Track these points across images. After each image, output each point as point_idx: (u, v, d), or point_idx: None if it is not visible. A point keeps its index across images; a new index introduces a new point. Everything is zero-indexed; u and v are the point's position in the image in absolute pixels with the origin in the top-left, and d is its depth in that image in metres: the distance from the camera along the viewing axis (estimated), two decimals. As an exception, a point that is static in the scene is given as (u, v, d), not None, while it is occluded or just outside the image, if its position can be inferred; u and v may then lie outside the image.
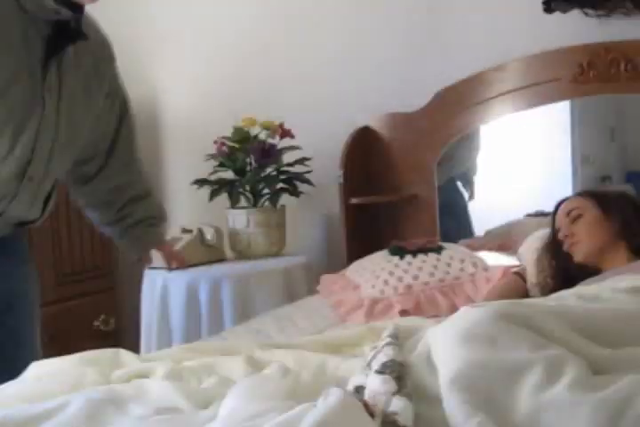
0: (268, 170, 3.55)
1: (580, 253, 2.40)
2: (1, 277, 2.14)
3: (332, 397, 1.27)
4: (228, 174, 3.58)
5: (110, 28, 2.31)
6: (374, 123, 3.52)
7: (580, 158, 3.39)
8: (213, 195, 3.53)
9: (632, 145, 3.35)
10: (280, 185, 3.56)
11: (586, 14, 3.12)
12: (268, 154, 3.48)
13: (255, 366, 1.76)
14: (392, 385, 1.31)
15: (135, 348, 3.30)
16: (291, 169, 3.56)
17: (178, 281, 3.27)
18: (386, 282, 2.78)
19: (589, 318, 1.56)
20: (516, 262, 2.85)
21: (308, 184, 3.55)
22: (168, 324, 3.31)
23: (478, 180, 3.58)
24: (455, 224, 3.55)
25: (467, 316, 1.49)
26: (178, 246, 3.27)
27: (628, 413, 1.21)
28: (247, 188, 3.56)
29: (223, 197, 3.55)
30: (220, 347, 2.06)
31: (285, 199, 3.58)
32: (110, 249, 4.04)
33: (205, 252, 3.50)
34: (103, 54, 2.23)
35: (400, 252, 2.91)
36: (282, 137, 3.53)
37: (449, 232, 3.44)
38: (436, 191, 3.46)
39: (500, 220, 3.49)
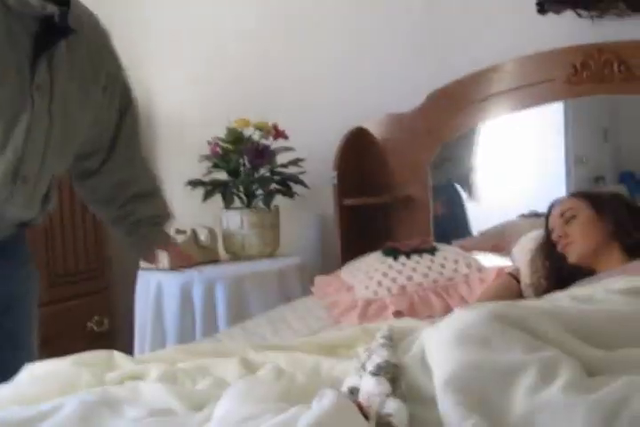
0: (262, 171, 3.55)
1: (573, 254, 2.41)
2: (0, 280, 2.10)
3: (326, 398, 1.27)
4: (222, 175, 3.58)
5: (104, 28, 2.30)
6: (368, 124, 3.52)
7: (574, 159, 3.39)
8: (207, 196, 3.53)
9: (625, 146, 3.35)
10: (274, 186, 3.56)
11: (579, 15, 3.13)
12: (262, 155, 3.48)
13: (249, 367, 1.76)
14: (386, 387, 1.31)
15: (129, 349, 3.29)
16: (284, 170, 3.56)
17: (172, 282, 3.27)
18: (379, 283, 2.78)
19: (583, 320, 1.56)
20: (510, 263, 2.85)
21: (302, 185, 3.55)
22: (162, 325, 3.31)
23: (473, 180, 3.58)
24: (452, 225, 3.55)
25: (461, 317, 1.49)
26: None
27: (622, 414, 1.21)
28: (241, 189, 3.56)
29: (217, 198, 3.55)
30: (215, 348, 2.06)
31: (279, 200, 3.58)
32: (103, 250, 4.04)
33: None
34: (97, 44, 2.15)
35: (394, 253, 2.91)
36: (275, 138, 3.53)
37: (446, 233, 3.44)
38: (431, 192, 3.46)
39: (493, 220, 3.49)
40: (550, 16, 3.16)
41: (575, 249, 2.41)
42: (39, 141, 2.01)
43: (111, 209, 2.42)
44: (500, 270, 2.75)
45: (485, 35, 3.37)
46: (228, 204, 3.56)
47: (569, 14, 3.14)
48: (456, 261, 2.86)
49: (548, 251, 2.50)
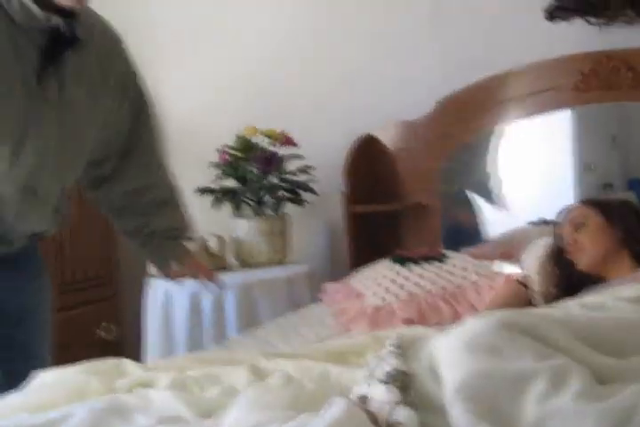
0: (272, 178, 3.55)
1: (583, 262, 2.40)
2: (13, 292, 2.09)
3: (336, 406, 1.27)
4: (231, 183, 3.59)
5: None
6: (377, 131, 3.52)
7: (582, 166, 3.39)
8: (216, 203, 3.54)
9: (634, 153, 3.35)
10: (283, 193, 3.57)
11: (588, 22, 3.13)
12: (271, 162, 3.48)
13: (258, 375, 1.76)
14: (396, 395, 1.31)
15: (137, 356, 3.29)
16: (294, 177, 3.56)
17: (181, 289, 3.27)
18: (388, 290, 2.78)
19: (593, 327, 1.56)
20: (519, 271, 2.84)
21: (311, 193, 3.55)
22: (171, 332, 3.31)
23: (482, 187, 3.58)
24: (461, 233, 3.54)
25: (471, 325, 1.49)
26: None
27: (633, 422, 1.21)
28: (250, 196, 3.57)
29: (226, 206, 3.56)
30: (224, 356, 2.06)
31: (288, 208, 3.59)
32: (112, 257, 4.04)
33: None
34: (106, 48, 2.10)
35: (402, 260, 2.91)
36: (285, 145, 3.54)
37: (454, 240, 3.43)
38: (440, 200, 3.46)
39: (502, 228, 3.49)
40: (559, 23, 3.16)
41: (584, 256, 2.40)
42: (49, 156, 1.98)
43: (125, 219, 2.37)
44: (510, 278, 2.74)
45: (494, 42, 3.37)
46: (237, 211, 3.56)
47: (577, 21, 3.14)
48: (465, 269, 2.86)
49: (558, 258, 2.49)
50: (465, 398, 1.29)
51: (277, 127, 3.54)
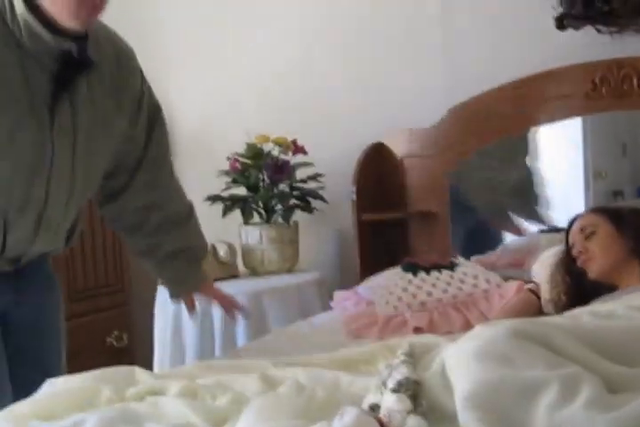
0: (281, 186, 3.56)
1: (594, 270, 2.40)
2: (21, 305, 2.07)
3: (347, 415, 1.27)
4: (241, 191, 3.59)
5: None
6: (387, 139, 3.52)
7: (593, 174, 3.38)
8: (226, 211, 3.54)
9: (644, 160, 3.35)
10: (293, 201, 3.57)
11: (598, 31, 3.12)
12: (281, 170, 3.49)
13: (269, 383, 1.76)
14: (407, 404, 1.31)
15: (148, 364, 3.30)
16: (304, 185, 3.57)
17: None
18: (399, 299, 2.78)
19: (604, 336, 1.55)
20: (530, 279, 2.84)
21: (321, 200, 3.56)
22: (181, 340, 3.31)
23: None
24: (471, 240, 3.54)
25: (482, 334, 1.49)
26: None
27: (644, 431, 1.21)
28: (260, 204, 3.57)
29: (236, 214, 3.56)
30: (235, 364, 2.06)
31: (298, 215, 3.59)
32: (123, 265, 4.05)
33: (218, 268, 3.50)
34: (119, 67, 2.04)
35: (413, 268, 2.91)
36: (295, 153, 3.54)
37: (465, 248, 3.43)
38: (449, 207, 3.45)
39: (513, 236, 3.49)
40: (569, 32, 3.15)
41: (595, 265, 2.40)
42: (62, 188, 1.96)
43: (137, 238, 2.31)
44: (520, 286, 2.74)
45: (504, 50, 3.37)
46: (247, 219, 3.57)
47: (588, 30, 3.13)
48: (475, 277, 2.85)
49: (568, 266, 2.49)
50: (475, 407, 1.29)
51: (288, 135, 3.55)
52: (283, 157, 3.53)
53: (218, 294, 2.50)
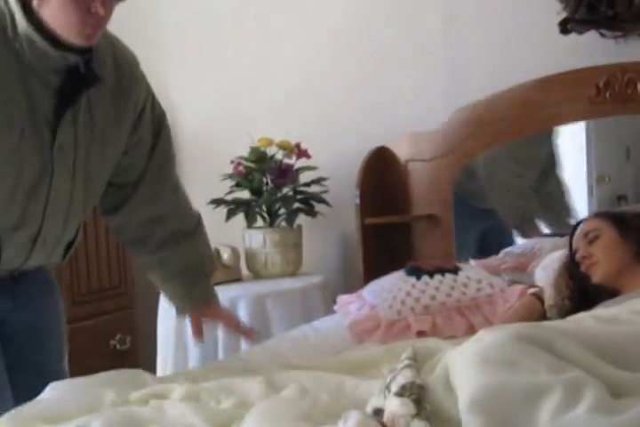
0: (285, 190, 3.56)
1: (597, 275, 2.39)
2: (19, 311, 2.06)
3: (351, 419, 1.27)
4: (245, 194, 3.60)
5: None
6: (391, 143, 3.53)
7: (596, 178, 3.39)
8: (230, 215, 3.55)
9: (648, 165, 3.35)
10: (296, 205, 3.57)
11: (602, 35, 3.12)
12: (285, 174, 3.49)
13: (273, 387, 1.76)
14: (411, 408, 1.31)
15: (151, 367, 3.30)
16: (307, 189, 3.57)
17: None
18: (403, 302, 2.78)
19: (608, 341, 1.55)
20: (533, 283, 2.84)
21: (325, 204, 3.56)
22: (184, 344, 3.30)
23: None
24: (474, 244, 3.54)
25: (485, 338, 1.49)
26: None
27: (648, 436, 1.21)
28: (264, 208, 3.57)
29: (239, 218, 3.56)
30: (238, 368, 2.06)
31: (302, 219, 3.59)
32: (126, 268, 4.05)
33: (222, 272, 3.50)
34: (120, 76, 1.99)
35: (417, 272, 2.91)
36: (298, 157, 3.55)
37: (468, 252, 3.43)
38: (453, 211, 3.45)
39: (516, 240, 3.50)
40: (573, 36, 3.15)
41: (599, 270, 2.39)
42: (61, 206, 1.93)
43: (142, 253, 2.24)
44: (524, 291, 2.74)
45: (507, 54, 3.37)
46: (250, 223, 3.57)
47: (592, 34, 3.13)
48: (479, 281, 2.85)
49: (572, 271, 2.48)
50: (478, 411, 1.29)
51: (291, 139, 3.55)
52: (286, 160, 3.54)
53: (225, 316, 2.40)
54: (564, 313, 2.37)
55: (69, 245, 2.13)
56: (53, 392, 1.81)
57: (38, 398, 1.80)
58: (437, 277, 2.87)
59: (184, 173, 4.04)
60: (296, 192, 3.57)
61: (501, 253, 3.42)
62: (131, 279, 4.09)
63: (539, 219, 3.54)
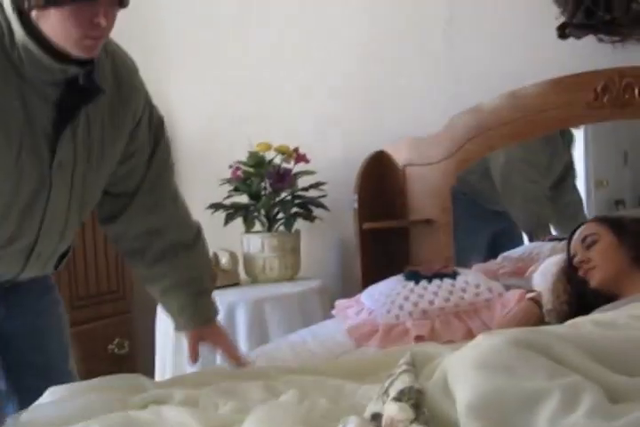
0: (283, 194, 3.56)
1: (595, 279, 2.39)
2: (18, 314, 2.04)
3: (350, 425, 1.27)
4: (243, 199, 3.60)
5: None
6: (389, 147, 3.53)
7: (594, 182, 3.39)
8: (228, 219, 3.55)
9: (646, 169, 3.36)
10: (295, 210, 3.57)
11: (600, 40, 3.13)
12: (283, 179, 3.49)
13: (272, 391, 1.77)
14: (409, 413, 1.32)
15: (149, 372, 3.30)
16: (305, 194, 3.57)
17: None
18: (401, 307, 2.78)
19: (606, 346, 1.56)
20: (532, 288, 2.84)
21: (323, 209, 3.56)
22: (183, 348, 3.29)
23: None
24: (473, 249, 3.55)
25: (483, 343, 1.49)
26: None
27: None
28: (262, 212, 3.57)
29: (238, 222, 3.56)
30: (237, 372, 2.06)
31: (300, 224, 3.59)
32: (125, 272, 4.05)
33: (220, 276, 3.50)
34: (119, 85, 1.91)
35: (415, 277, 2.91)
36: (297, 162, 3.55)
37: (467, 257, 3.44)
38: (452, 216, 3.45)
39: (515, 244, 3.50)
40: (571, 41, 3.15)
41: (597, 274, 2.39)
42: (57, 220, 1.90)
43: (140, 265, 2.16)
44: (522, 295, 2.74)
45: (506, 59, 3.37)
46: (248, 227, 3.57)
47: (590, 39, 3.14)
48: (477, 286, 2.85)
49: (570, 276, 2.49)
50: (476, 416, 1.30)
51: (290, 143, 3.55)
52: (285, 165, 3.54)
53: (224, 343, 2.25)
54: (562, 318, 2.37)
55: (63, 256, 2.10)
56: (52, 397, 1.81)
57: (37, 403, 1.79)
58: (435, 281, 2.87)
59: (182, 178, 4.04)
60: (294, 197, 3.57)
61: (499, 258, 3.43)
62: (129, 284, 4.09)
63: (553, 225, 3.53)
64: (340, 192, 3.55)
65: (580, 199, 3.42)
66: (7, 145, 1.72)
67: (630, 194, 3.37)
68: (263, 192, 3.54)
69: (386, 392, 1.42)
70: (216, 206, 3.58)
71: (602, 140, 3.40)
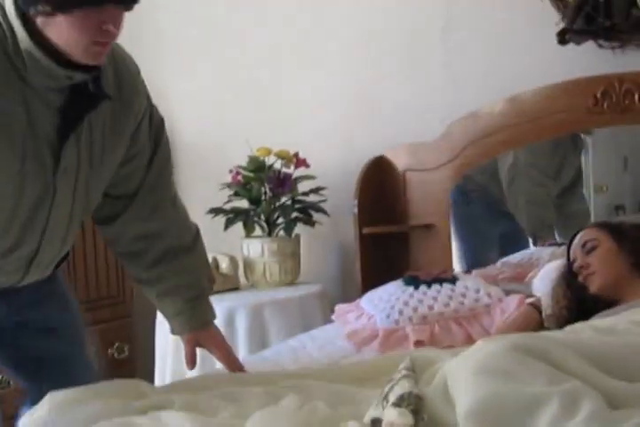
0: (283, 199, 3.57)
1: (595, 285, 2.39)
2: (29, 307, 2.04)
3: (349, 430, 1.27)
4: (243, 203, 3.60)
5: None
6: (389, 152, 3.53)
7: (594, 187, 3.39)
8: (228, 224, 3.55)
9: (646, 174, 3.36)
10: (295, 214, 3.57)
11: (600, 46, 3.13)
12: (283, 183, 3.49)
13: (271, 396, 1.76)
14: (409, 418, 1.32)
15: (149, 376, 3.30)
16: (305, 198, 3.58)
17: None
18: (401, 312, 2.78)
19: (605, 351, 1.56)
20: (531, 293, 2.84)
21: (323, 214, 3.56)
22: (182, 352, 3.30)
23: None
24: (473, 254, 3.55)
25: (483, 349, 1.49)
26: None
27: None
28: (262, 217, 3.58)
29: (238, 227, 3.56)
30: (237, 377, 2.06)
31: (300, 229, 3.59)
32: (125, 277, 4.05)
33: (220, 281, 3.50)
34: (121, 88, 1.89)
35: (415, 282, 2.91)
36: (297, 166, 3.55)
37: (466, 262, 3.44)
38: (451, 221, 3.46)
39: (514, 249, 3.50)
40: (571, 47, 3.15)
41: (596, 280, 2.39)
42: (59, 227, 1.89)
43: (137, 268, 2.15)
44: (521, 300, 2.74)
45: (506, 65, 3.38)
46: (249, 232, 3.57)
47: (589, 45, 3.14)
48: (477, 291, 2.85)
49: (570, 281, 2.48)
50: (476, 422, 1.30)
51: (290, 148, 3.55)
52: (285, 170, 3.54)
53: (221, 347, 2.22)
54: (562, 323, 2.36)
55: (63, 259, 2.10)
56: (51, 402, 1.80)
57: (35, 407, 1.79)
58: (435, 286, 2.87)
59: (183, 182, 4.05)
60: (294, 201, 3.58)
61: (499, 263, 3.43)
62: (129, 288, 4.09)
63: (558, 230, 3.53)
64: (340, 197, 3.56)
65: (587, 208, 3.42)
66: (10, 149, 1.70)
67: (630, 199, 3.37)
68: (263, 197, 3.55)
69: (385, 398, 1.42)
70: (216, 211, 3.58)
71: (602, 145, 3.40)
